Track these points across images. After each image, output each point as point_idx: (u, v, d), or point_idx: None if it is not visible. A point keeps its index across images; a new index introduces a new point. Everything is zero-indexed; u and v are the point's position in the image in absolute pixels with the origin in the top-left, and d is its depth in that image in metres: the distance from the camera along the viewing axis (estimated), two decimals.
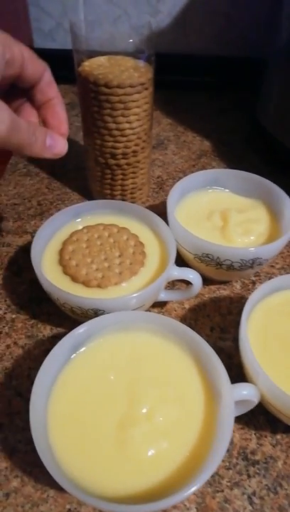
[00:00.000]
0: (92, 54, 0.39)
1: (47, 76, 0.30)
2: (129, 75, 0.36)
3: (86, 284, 0.31)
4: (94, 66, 0.37)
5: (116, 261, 0.33)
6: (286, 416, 0.27)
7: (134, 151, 0.40)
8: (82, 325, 0.27)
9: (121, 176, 0.42)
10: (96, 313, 0.30)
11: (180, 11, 0.65)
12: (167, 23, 0.66)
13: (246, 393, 0.26)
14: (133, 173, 0.42)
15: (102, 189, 0.44)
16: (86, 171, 0.46)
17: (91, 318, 0.28)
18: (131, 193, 0.44)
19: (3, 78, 0.27)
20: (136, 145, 0.40)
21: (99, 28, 0.40)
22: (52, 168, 0.53)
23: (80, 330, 0.27)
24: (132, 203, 0.44)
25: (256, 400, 0.26)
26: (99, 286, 0.31)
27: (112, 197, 0.45)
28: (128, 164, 0.41)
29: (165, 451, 0.24)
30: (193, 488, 0.21)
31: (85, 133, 0.42)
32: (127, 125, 0.38)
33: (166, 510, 0.27)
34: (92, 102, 0.37)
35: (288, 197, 0.39)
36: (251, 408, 0.28)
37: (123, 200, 0.45)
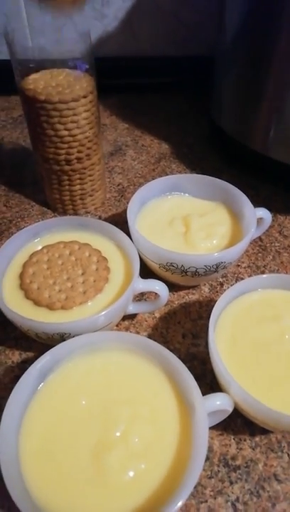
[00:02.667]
0: (31, 65, 0.38)
1: None
2: (68, 87, 0.37)
3: (50, 307, 0.31)
4: (34, 82, 0.37)
5: (79, 280, 0.32)
6: (261, 422, 0.27)
7: (78, 158, 0.41)
8: (47, 352, 0.27)
9: (67, 182, 0.42)
10: (62, 337, 0.29)
11: (126, 13, 0.64)
12: (114, 26, 0.65)
13: (220, 403, 0.26)
14: (81, 179, 0.42)
15: (52, 194, 0.45)
16: (39, 177, 0.46)
17: (58, 342, 0.28)
18: (81, 199, 0.45)
19: None
20: (80, 152, 0.40)
21: (43, 37, 0.39)
22: (9, 183, 0.52)
23: (46, 357, 0.26)
24: (83, 208, 0.44)
25: (230, 409, 0.26)
26: (63, 308, 0.31)
27: (62, 202, 0.45)
28: (73, 170, 0.41)
29: (144, 472, 0.24)
30: (175, 507, 0.21)
31: (32, 141, 0.42)
32: (66, 132, 0.38)
33: None
34: (31, 110, 0.38)
35: (247, 198, 0.39)
36: (225, 417, 0.28)
37: (73, 205, 0.45)
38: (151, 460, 0.24)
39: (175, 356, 0.27)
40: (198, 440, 0.24)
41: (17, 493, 0.21)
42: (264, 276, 0.32)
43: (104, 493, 0.23)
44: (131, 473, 0.24)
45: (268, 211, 0.39)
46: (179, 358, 0.34)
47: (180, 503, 0.22)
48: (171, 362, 0.27)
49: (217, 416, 0.28)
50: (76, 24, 0.63)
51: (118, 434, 0.25)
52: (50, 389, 0.27)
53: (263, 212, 0.39)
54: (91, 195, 0.45)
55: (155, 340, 0.35)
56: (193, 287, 0.41)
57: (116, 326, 0.37)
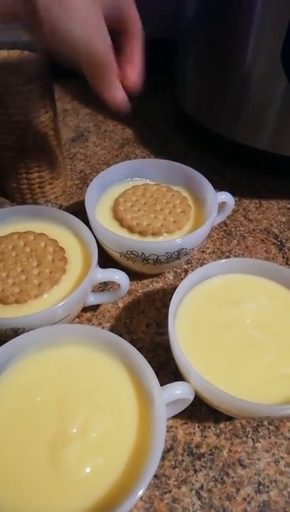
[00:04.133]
0: None
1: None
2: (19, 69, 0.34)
3: (3, 301, 0.29)
4: None
5: (34, 271, 0.31)
6: (223, 409, 0.27)
7: (34, 145, 0.39)
8: None
9: (24, 170, 0.41)
10: (16, 332, 0.28)
11: None
12: None
13: (180, 392, 0.25)
14: (38, 166, 0.41)
15: (9, 183, 0.43)
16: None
17: (12, 338, 0.26)
18: (40, 187, 0.43)
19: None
20: (35, 139, 0.39)
21: None
22: None
23: None
24: (43, 197, 0.42)
25: (191, 397, 0.26)
26: (17, 301, 0.29)
27: (20, 191, 0.43)
28: (29, 158, 0.40)
29: (102, 466, 0.23)
30: (133, 499, 0.21)
31: None
32: (19, 117, 0.37)
33: None
34: None
35: (209, 183, 0.38)
36: (187, 405, 0.27)
37: (32, 194, 0.43)
38: (109, 454, 0.24)
39: (133, 347, 0.26)
40: (157, 430, 0.23)
41: None
42: (223, 261, 0.31)
43: (62, 490, 0.23)
44: (89, 469, 0.23)
45: (230, 195, 0.39)
46: (143, 347, 0.34)
47: (139, 493, 0.21)
48: (130, 353, 0.26)
49: (179, 405, 0.27)
50: None
51: (75, 429, 0.24)
52: (3, 386, 0.25)
53: (225, 196, 0.38)
54: (50, 184, 0.43)
55: (118, 331, 0.35)
56: (157, 275, 0.40)
57: (78, 318, 0.36)
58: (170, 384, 0.25)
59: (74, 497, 0.22)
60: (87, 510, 0.22)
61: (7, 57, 0.35)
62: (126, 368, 0.26)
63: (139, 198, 0.38)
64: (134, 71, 0.31)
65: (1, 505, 0.22)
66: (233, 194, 0.39)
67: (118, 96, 0.30)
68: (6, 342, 0.26)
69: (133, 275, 0.38)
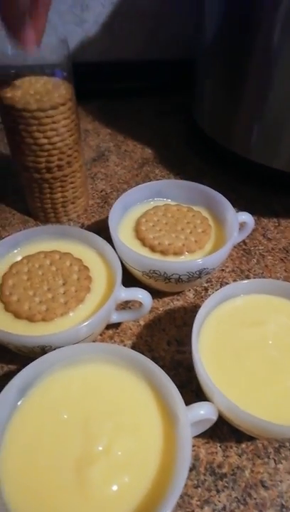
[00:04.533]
0: (10, 72, 0.38)
1: None
2: (46, 95, 0.36)
3: (30, 319, 0.30)
4: (12, 88, 0.37)
5: (60, 290, 0.32)
6: (245, 429, 0.27)
7: (59, 166, 0.40)
8: (27, 366, 0.26)
9: (48, 190, 0.42)
10: (43, 349, 0.28)
11: (106, 18, 0.64)
12: (95, 31, 0.65)
13: (204, 413, 0.26)
14: (62, 187, 0.42)
15: (33, 203, 0.44)
16: (20, 186, 0.45)
17: (40, 355, 0.27)
18: (63, 207, 0.44)
19: None
20: (60, 159, 0.40)
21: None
22: None
23: (25, 372, 0.26)
24: (65, 216, 0.43)
25: (214, 418, 0.26)
26: (44, 319, 0.30)
27: (43, 210, 0.44)
28: (54, 178, 0.41)
29: (128, 485, 0.24)
30: None
31: (11, 149, 0.41)
32: (45, 140, 0.38)
33: None
34: (9, 119, 0.37)
35: (229, 203, 0.39)
36: (211, 425, 0.28)
37: (55, 213, 0.44)
38: (134, 473, 0.24)
39: (157, 366, 0.27)
40: (182, 451, 0.24)
41: None
42: (245, 282, 0.32)
43: (88, 508, 0.23)
44: (115, 487, 0.23)
45: (250, 215, 0.39)
46: (164, 365, 0.34)
47: None
48: (154, 372, 0.26)
49: (202, 425, 0.27)
50: (56, 30, 0.63)
51: (100, 447, 0.24)
52: (31, 404, 0.26)
53: (245, 217, 0.39)
54: (73, 203, 0.44)
55: (139, 349, 0.35)
56: (178, 293, 0.40)
57: (100, 335, 0.36)
58: (194, 404, 0.26)
59: None
60: None
61: (39, 82, 0.37)
62: (150, 386, 0.27)
63: (161, 218, 0.39)
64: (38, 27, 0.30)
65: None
66: (251, 213, 0.40)
67: (30, 36, 0.29)
68: (33, 359, 0.27)
69: (155, 293, 0.39)
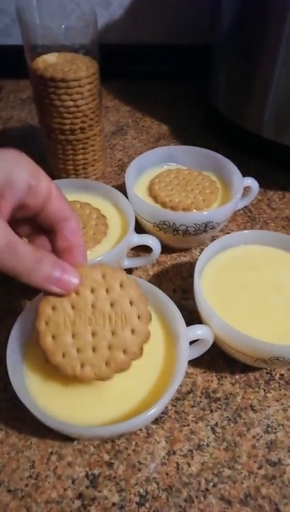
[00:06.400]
0: (40, 50, 0.42)
1: (74, 224, 0.26)
2: (75, 68, 0.41)
3: None
4: (44, 62, 0.41)
5: None
6: (240, 352, 0.30)
7: (82, 128, 0.44)
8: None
9: (71, 152, 0.46)
10: None
11: (130, 2, 0.68)
12: (119, 14, 0.68)
13: (201, 333, 0.29)
14: (84, 148, 0.46)
15: (56, 164, 0.48)
16: (44, 151, 0.49)
17: None
18: (84, 168, 0.48)
19: (22, 206, 0.24)
20: (83, 122, 0.44)
21: (52, 21, 0.43)
22: None
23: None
24: (85, 177, 0.47)
25: (210, 339, 0.30)
26: None
27: (66, 171, 0.48)
28: (77, 140, 0.45)
29: (133, 387, 0.27)
30: (152, 411, 0.25)
31: (38, 112, 0.45)
32: (71, 103, 0.42)
33: (138, 444, 0.30)
34: (40, 84, 0.42)
35: (235, 166, 0.42)
36: (207, 348, 0.31)
37: (76, 174, 0.49)
38: (139, 378, 0.28)
39: (162, 292, 0.30)
40: (180, 361, 0.27)
41: (27, 401, 0.25)
42: (245, 231, 0.35)
43: (99, 402, 0.27)
44: (122, 388, 0.27)
45: (254, 180, 0.43)
46: None
47: (153, 410, 0.25)
48: (158, 296, 0.30)
49: (200, 347, 0.31)
50: (83, 11, 0.67)
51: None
52: None
53: (250, 181, 0.42)
54: (92, 165, 0.49)
55: None
56: (185, 250, 0.44)
57: None
58: (193, 325, 0.29)
59: (109, 409, 0.27)
60: (121, 417, 0.26)
61: (68, 56, 0.41)
62: (155, 309, 0.31)
63: (173, 179, 0.43)
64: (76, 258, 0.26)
65: (56, 413, 0.26)
66: (259, 185, 0.43)
67: (57, 287, 0.25)
68: None
69: (164, 248, 0.42)
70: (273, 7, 0.43)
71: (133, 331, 0.25)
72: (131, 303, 0.26)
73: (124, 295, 0.26)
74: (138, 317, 0.26)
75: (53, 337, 0.25)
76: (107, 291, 0.26)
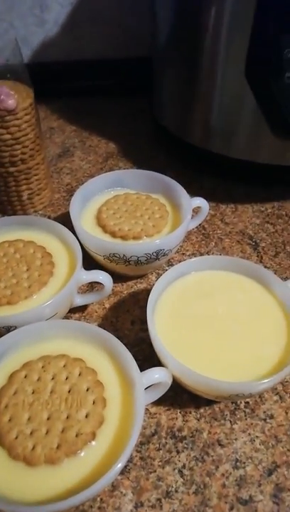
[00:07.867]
0: None
1: None
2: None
3: None
4: None
5: (24, 275, 0.34)
6: (198, 391, 0.29)
7: (22, 159, 0.42)
8: None
9: (14, 183, 0.44)
10: (8, 330, 0.30)
11: (67, 18, 0.66)
12: (55, 32, 0.66)
13: (158, 376, 0.28)
14: (26, 179, 0.44)
15: (0, 197, 0.46)
16: None
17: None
18: (29, 199, 0.46)
19: None
20: (23, 153, 0.42)
21: None
22: None
23: None
24: (32, 208, 0.45)
25: (168, 381, 0.29)
26: (9, 303, 0.32)
27: (10, 204, 0.46)
28: (18, 171, 0.43)
29: (92, 450, 0.26)
30: (113, 471, 0.23)
31: None
32: (9, 136, 0.40)
33: (103, 499, 0.28)
34: None
35: (182, 188, 0.41)
36: (167, 389, 0.30)
37: (21, 205, 0.47)
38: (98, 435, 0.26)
39: (114, 337, 0.29)
40: (138, 409, 0.26)
41: None
42: (195, 259, 0.34)
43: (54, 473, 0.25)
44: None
45: (204, 200, 0.42)
46: (128, 343, 0.37)
47: (118, 466, 0.23)
48: (111, 342, 0.29)
49: (160, 389, 0.30)
50: (17, 31, 0.64)
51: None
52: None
53: (200, 201, 0.42)
54: (38, 194, 0.46)
55: (105, 330, 0.37)
56: (141, 277, 0.43)
57: (67, 318, 0.38)
58: (149, 370, 0.28)
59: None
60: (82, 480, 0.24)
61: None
62: (109, 356, 0.29)
63: (121, 206, 0.41)
64: None
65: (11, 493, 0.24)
66: (211, 201, 0.42)
67: None
68: None
69: (118, 278, 0.41)
70: (208, 15, 0.42)
71: (87, 415, 0.26)
72: (87, 389, 0.27)
73: (81, 381, 0.27)
74: (94, 402, 0.27)
75: (10, 418, 0.26)
76: (67, 377, 0.28)
